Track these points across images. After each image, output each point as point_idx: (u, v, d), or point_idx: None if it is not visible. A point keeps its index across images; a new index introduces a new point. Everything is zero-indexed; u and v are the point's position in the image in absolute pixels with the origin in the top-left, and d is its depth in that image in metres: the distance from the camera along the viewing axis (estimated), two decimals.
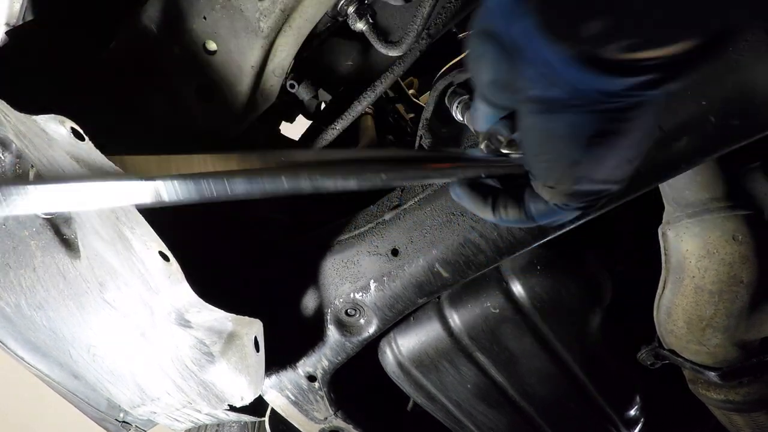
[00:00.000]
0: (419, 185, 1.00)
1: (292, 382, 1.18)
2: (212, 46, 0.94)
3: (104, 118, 0.98)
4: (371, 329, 1.09)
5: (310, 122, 1.42)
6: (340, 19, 1.02)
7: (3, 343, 1.19)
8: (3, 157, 0.97)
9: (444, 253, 0.97)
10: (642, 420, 1.32)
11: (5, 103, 0.78)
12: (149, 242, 0.84)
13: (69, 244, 0.99)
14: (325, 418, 1.24)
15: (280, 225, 1.28)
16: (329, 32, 1.13)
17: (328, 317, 1.11)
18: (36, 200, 0.36)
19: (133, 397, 1.18)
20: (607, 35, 0.36)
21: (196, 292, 0.88)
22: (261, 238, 1.20)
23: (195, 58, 0.95)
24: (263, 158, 0.44)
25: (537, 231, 0.90)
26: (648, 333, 1.15)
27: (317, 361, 1.14)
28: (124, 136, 1.00)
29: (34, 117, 0.76)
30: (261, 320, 0.99)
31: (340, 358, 1.13)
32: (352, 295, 1.07)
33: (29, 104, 0.77)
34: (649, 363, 1.16)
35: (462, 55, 0.91)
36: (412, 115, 1.83)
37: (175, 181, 0.39)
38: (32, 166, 1.02)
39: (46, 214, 0.97)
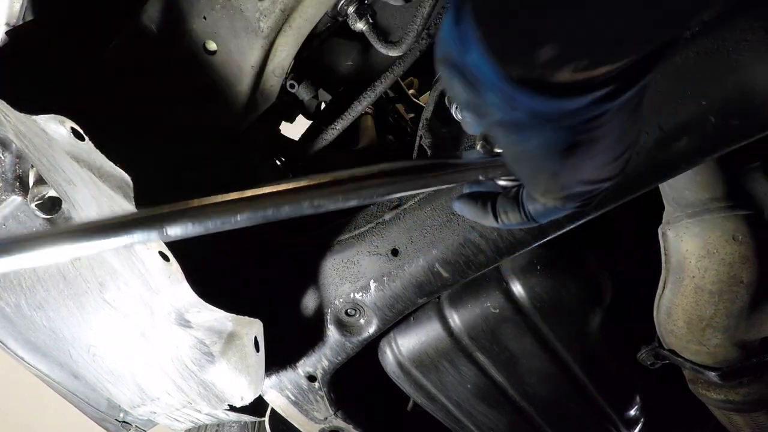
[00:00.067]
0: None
1: (292, 382, 1.18)
2: (212, 46, 0.94)
3: (104, 118, 0.98)
4: (371, 329, 1.09)
5: (310, 122, 1.43)
6: (340, 19, 1.02)
7: (3, 343, 1.19)
8: (3, 157, 0.97)
9: (444, 253, 0.97)
10: (642, 420, 1.32)
11: (5, 103, 0.78)
12: (149, 242, 0.84)
13: None
14: (325, 418, 1.24)
15: (280, 225, 1.28)
16: (329, 32, 1.13)
17: (328, 317, 1.11)
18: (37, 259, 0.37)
19: (133, 397, 1.18)
20: (557, 60, 0.36)
21: (196, 292, 0.88)
22: (261, 238, 1.20)
23: (195, 58, 0.95)
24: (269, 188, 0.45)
25: (537, 231, 0.90)
26: (648, 333, 1.15)
27: (317, 361, 1.14)
28: (124, 137, 1.00)
29: (34, 117, 0.76)
30: (261, 320, 0.99)
31: (340, 358, 1.13)
32: (352, 295, 1.07)
33: (29, 104, 0.77)
34: (649, 363, 1.16)
35: None
36: (412, 115, 1.83)
37: (185, 222, 0.40)
38: (32, 166, 1.02)
39: (46, 214, 0.97)
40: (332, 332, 1.11)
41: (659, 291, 1.06)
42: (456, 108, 0.88)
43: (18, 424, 3.96)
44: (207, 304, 0.90)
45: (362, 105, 1.09)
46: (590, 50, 0.36)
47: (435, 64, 0.47)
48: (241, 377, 1.04)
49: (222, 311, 0.92)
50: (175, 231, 0.40)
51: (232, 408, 1.12)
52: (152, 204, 0.41)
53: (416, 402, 1.29)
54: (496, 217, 0.63)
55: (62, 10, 0.97)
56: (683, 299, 1.00)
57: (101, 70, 0.97)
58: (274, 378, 1.18)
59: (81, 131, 0.75)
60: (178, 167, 1.03)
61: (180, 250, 0.85)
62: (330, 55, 1.18)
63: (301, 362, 1.15)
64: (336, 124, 1.14)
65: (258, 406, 1.28)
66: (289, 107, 1.26)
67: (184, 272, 0.86)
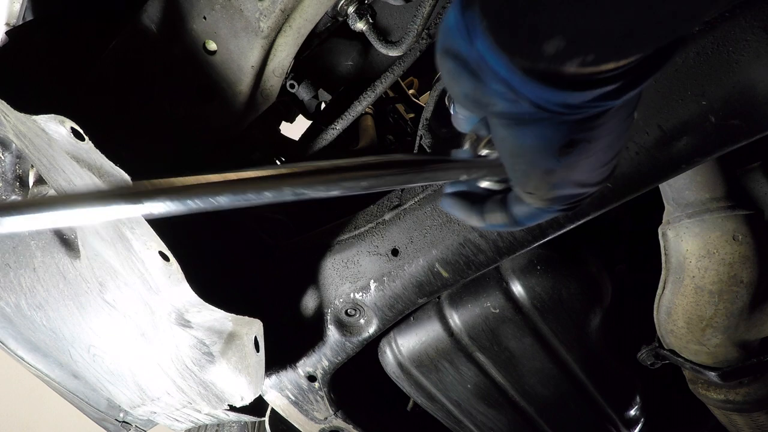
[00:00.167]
0: (419, 185, 1.00)
1: (292, 382, 1.18)
2: (212, 46, 0.94)
3: (104, 118, 0.98)
4: (371, 329, 1.09)
5: (310, 122, 1.42)
6: (340, 19, 1.02)
7: (3, 343, 1.19)
8: (3, 157, 0.97)
9: (444, 253, 0.97)
10: (642, 420, 1.32)
11: (5, 103, 0.78)
12: (149, 242, 0.84)
13: (69, 244, 0.99)
14: (325, 418, 1.24)
15: (280, 225, 1.28)
16: (329, 32, 1.13)
17: (328, 317, 1.11)
18: (17, 224, 0.37)
19: (133, 397, 1.18)
20: (564, 53, 0.36)
21: (196, 292, 0.88)
22: (261, 238, 1.20)
23: (195, 58, 0.95)
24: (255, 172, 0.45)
25: (537, 231, 0.90)
26: (648, 333, 1.15)
27: (317, 361, 1.14)
28: (124, 137, 1.00)
29: (34, 117, 0.76)
30: (261, 320, 0.99)
31: (340, 358, 1.13)
32: (352, 295, 1.07)
33: (29, 104, 0.77)
34: (649, 363, 1.16)
35: None
36: (412, 115, 1.83)
37: (165, 200, 0.40)
38: (32, 166, 1.02)
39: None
40: (332, 332, 1.11)
41: (659, 291, 1.06)
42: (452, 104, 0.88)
43: (18, 424, 3.96)
44: (207, 304, 0.90)
45: (362, 105, 1.09)
46: (597, 45, 0.36)
47: (436, 56, 0.46)
48: (241, 377, 1.04)
49: (222, 311, 0.92)
50: (156, 208, 0.40)
51: (232, 408, 1.13)
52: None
53: (416, 402, 1.29)
54: (480, 217, 0.63)
55: (62, 11, 0.97)
56: (683, 299, 1.00)
57: (101, 70, 0.97)
58: (274, 378, 1.18)
59: (81, 131, 0.75)
60: (178, 167, 1.03)
61: (180, 250, 0.85)
62: (330, 55, 1.18)
63: (301, 362, 1.15)
64: (336, 124, 1.14)
65: (258, 406, 1.28)
66: (289, 107, 1.26)
67: (184, 272, 0.86)
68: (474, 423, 1.25)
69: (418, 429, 1.40)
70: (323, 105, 1.42)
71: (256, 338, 1.00)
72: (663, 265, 1.02)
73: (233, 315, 0.94)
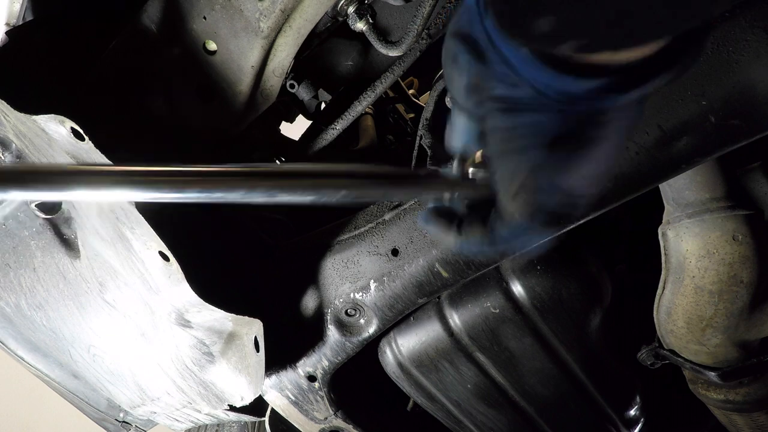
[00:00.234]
0: None
1: (292, 382, 1.18)
2: (212, 46, 0.94)
3: (104, 118, 0.98)
4: (371, 329, 1.09)
5: (310, 122, 1.42)
6: (340, 19, 1.02)
7: (3, 343, 1.19)
8: (3, 157, 0.97)
9: (444, 253, 0.97)
10: (642, 420, 1.32)
11: (5, 103, 0.78)
12: (149, 242, 0.84)
13: (69, 244, 0.99)
14: (325, 418, 1.24)
15: (280, 225, 1.28)
16: (329, 32, 1.13)
17: (328, 317, 1.11)
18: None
19: (133, 397, 1.18)
20: (557, 34, 0.35)
21: (196, 292, 0.88)
22: (261, 238, 1.20)
23: (195, 58, 0.95)
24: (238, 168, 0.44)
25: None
26: (648, 333, 1.15)
27: (317, 361, 1.14)
28: (124, 136, 1.00)
29: (34, 117, 0.76)
30: (261, 320, 0.99)
31: (340, 358, 1.13)
32: (352, 295, 1.07)
33: (29, 104, 0.77)
34: (649, 363, 1.16)
35: None
36: (412, 115, 1.83)
37: (133, 185, 0.40)
38: None
39: (46, 214, 0.97)
40: (332, 332, 1.11)
41: (659, 291, 1.06)
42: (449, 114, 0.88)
43: (18, 424, 3.96)
44: (207, 304, 0.90)
45: (362, 105, 1.09)
46: (590, 30, 0.34)
47: (444, 42, 0.46)
48: (241, 377, 1.04)
49: (222, 311, 0.92)
50: (122, 194, 0.40)
51: (232, 408, 1.12)
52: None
53: (416, 402, 1.29)
54: (457, 234, 0.60)
55: (62, 11, 0.97)
56: (683, 299, 1.00)
57: (101, 70, 0.97)
58: (274, 378, 1.18)
59: (81, 131, 0.75)
60: None
61: (180, 250, 0.85)
62: (330, 55, 1.18)
63: (301, 362, 1.15)
64: (336, 124, 1.14)
65: (258, 406, 1.28)
66: (289, 107, 1.26)
67: (184, 272, 0.86)
68: (474, 423, 1.25)
69: (418, 429, 1.40)
70: (323, 105, 1.42)
71: (256, 338, 1.00)
72: (663, 265, 1.02)
73: (233, 315, 0.94)
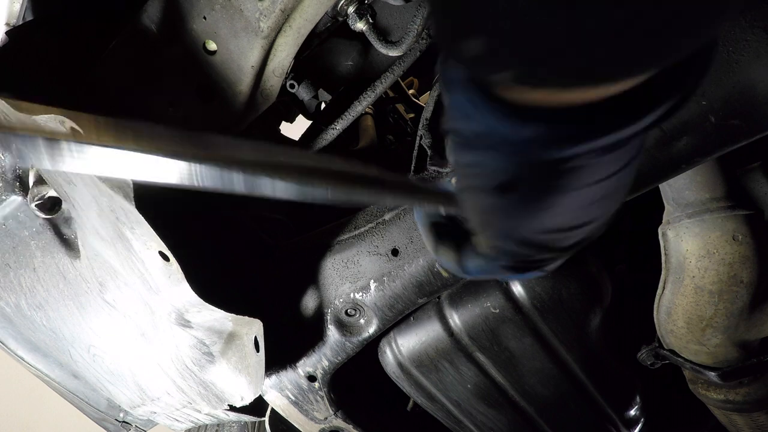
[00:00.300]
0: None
1: (292, 382, 1.18)
2: (212, 46, 0.94)
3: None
4: (371, 329, 1.09)
5: (310, 122, 1.43)
6: (340, 19, 1.02)
7: (3, 343, 1.19)
8: (3, 157, 0.97)
9: None
10: (642, 420, 1.32)
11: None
12: (149, 242, 0.84)
13: (69, 244, 0.99)
14: (325, 418, 1.24)
15: (280, 225, 1.28)
16: (329, 32, 1.13)
17: (328, 317, 1.11)
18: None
19: (133, 397, 1.18)
20: (489, 60, 0.26)
21: (196, 292, 0.88)
22: (261, 238, 1.20)
23: (195, 58, 0.95)
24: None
25: None
26: (648, 333, 1.15)
27: (317, 361, 1.14)
28: None
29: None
30: (261, 320, 0.99)
31: (340, 358, 1.13)
32: (352, 295, 1.07)
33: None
34: (649, 363, 1.16)
35: None
36: (412, 115, 1.83)
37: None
38: (32, 166, 1.02)
39: (46, 214, 0.97)
40: (332, 332, 1.11)
41: (659, 291, 1.06)
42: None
43: (18, 424, 3.96)
44: (207, 304, 0.90)
45: (362, 105, 1.09)
46: (529, 57, 0.25)
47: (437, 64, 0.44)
48: (241, 377, 1.04)
49: (222, 311, 0.92)
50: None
51: (232, 408, 1.13)
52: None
53: (416, 402, 1.29)
54: (434, 248, 0.58)
55: (62, 10, 0.97)
56: (683, 299, 1.00)
57: (101, 70, 0.97)
58: (274, 378, 1.18)
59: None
60: None
61: (180, 250, 0.85)
62: (330, 55, 1.18)
63: (301, 362, 1.15)
64: (336, 124, 1.14)
65: (258, 406, 1.28)
66: (289, 107, 1.26)
67: (184, 272, 0.86)
68: (474, 423, 1.25)
69: (418, 429, 1.40)
70: (323, 105, 1.42)
71: (256, 338, 1.00)
72: (663, 265, 1.03)
73: (233, 315, 0.94)
